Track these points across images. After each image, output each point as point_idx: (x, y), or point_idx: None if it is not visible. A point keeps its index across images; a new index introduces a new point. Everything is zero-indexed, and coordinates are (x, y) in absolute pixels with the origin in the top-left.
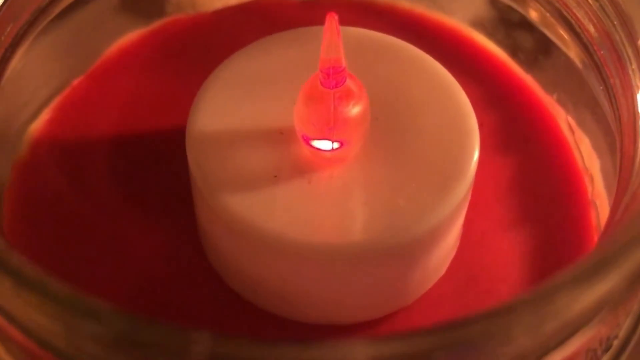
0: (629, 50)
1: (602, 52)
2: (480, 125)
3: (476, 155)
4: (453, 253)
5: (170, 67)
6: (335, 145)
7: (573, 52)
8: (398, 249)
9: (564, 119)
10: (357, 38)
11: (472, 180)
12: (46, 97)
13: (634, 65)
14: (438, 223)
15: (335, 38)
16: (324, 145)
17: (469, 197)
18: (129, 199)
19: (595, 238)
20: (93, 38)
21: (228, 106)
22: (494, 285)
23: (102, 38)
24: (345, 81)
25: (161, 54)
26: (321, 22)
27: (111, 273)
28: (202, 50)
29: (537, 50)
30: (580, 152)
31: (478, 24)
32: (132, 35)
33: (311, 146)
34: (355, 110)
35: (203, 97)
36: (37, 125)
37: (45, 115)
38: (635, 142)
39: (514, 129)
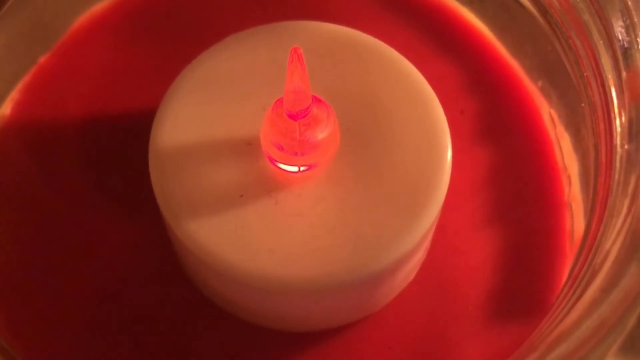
0: (600, 41)
1: (575, 42)
2: (461, 113)
3: (447, 180)
4: (423, 258)
5: (143, 38)
6: (303, 168)
7: (555, 40)
8: (363, 280)
9: (547, 111)
10: (328, 37)
11: (441, 206)
12: (12, 76)
13: (607, 58)
14: (404, 253)
15: (299, 72)
16: (291, 168)
17: (437, 219)
18: (99, 186)
19: (568, 243)
20: (60, 9)
21: (193, 116)
22: (463, 289)
23: (69, 8)
24: (310, 111)
25: (133, 24)
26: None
27: (78, 264)
28: (177, 20)
29: (523, 33)
30: (560, 148)
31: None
32: (101, 4)
33: (278, 167)
34: (322, 135)
35: (166, 108)
36: (4, 110)
37: (11, 98)
38: (610, 143)
39: (496, 118)
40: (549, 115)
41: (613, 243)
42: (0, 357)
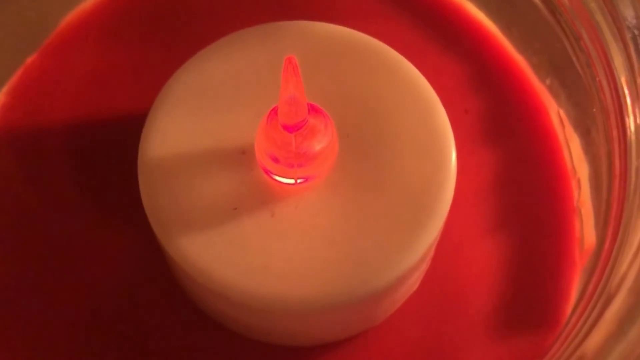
0: (611, 38)
1: (587, 43)
2: (466, 112)
3: (451, 192)
4: (427, 268)
5: (132, 37)
6: (300, 180)
7: (564, 38)
8: (364, 299)
9: (555, 111)
10: (324, 37)
11: (445, 218)
12: None
13: (617, 53)
14: (405, 270)
15: (294, 82)
16: (287, 180)
17: (441, 230)
18: (88, 190)
19: (577, 251)
20: (46, 8)
21: (184, 125)
22: (468, 299)
23: (55, 8)
24: (306, 122)
25: (121, 23)
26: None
27: (66, 274)
28: (167, 18)
29: (530, 29)
30: (569, 151)
31: None
32: (88, 3)
33: (274, 179)
34: (320, 146)
35: (155, 116)
36: None
37: None
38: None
39: (502, 118)
40: (557, 116)
41: (629, 266)
42: None
